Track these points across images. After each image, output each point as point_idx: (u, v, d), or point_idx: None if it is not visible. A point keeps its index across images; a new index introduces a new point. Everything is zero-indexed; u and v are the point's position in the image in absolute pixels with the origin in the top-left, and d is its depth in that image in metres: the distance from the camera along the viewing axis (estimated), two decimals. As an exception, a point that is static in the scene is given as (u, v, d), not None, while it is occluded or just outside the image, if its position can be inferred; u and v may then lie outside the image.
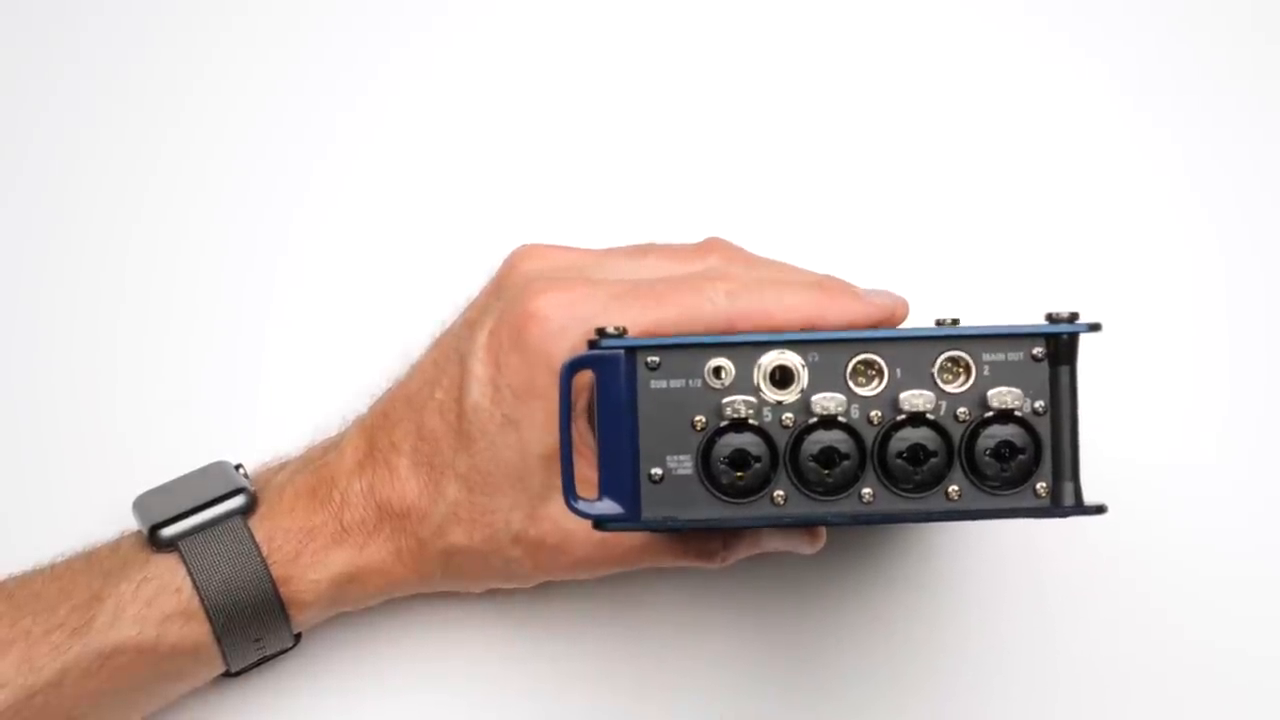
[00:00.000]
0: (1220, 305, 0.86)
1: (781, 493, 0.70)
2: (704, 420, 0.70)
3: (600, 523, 0.70)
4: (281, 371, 0.87)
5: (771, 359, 0.70)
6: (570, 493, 0.70)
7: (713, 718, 0.84)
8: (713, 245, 0.79)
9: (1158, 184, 0.87)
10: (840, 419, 0.70)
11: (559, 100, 0.87)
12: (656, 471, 0.70)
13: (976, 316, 0.74)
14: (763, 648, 0.85)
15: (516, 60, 0.88)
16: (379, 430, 0.80)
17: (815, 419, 0.70)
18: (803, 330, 0.73)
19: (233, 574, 0.79)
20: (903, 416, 0.70)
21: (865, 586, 0.85)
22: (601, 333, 0.70)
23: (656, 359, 0.70)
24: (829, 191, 0.87)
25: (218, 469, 0.83)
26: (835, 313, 0.75)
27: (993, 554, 0.85)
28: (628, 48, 0.88)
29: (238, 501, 0.80)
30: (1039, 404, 0.70)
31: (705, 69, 0.87)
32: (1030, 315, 0.71)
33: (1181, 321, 0.86)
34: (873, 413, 0.70)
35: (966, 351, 0.70)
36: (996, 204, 0.86)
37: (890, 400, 0.70)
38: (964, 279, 0.86)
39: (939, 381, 0.70)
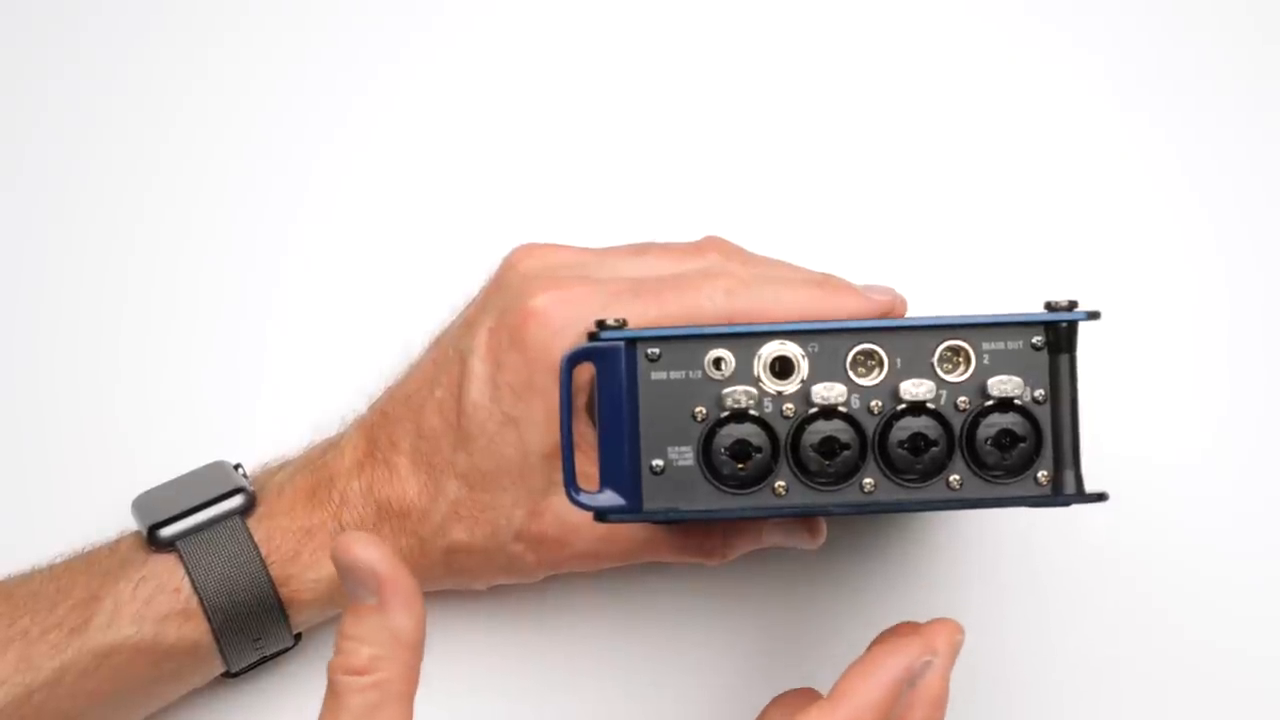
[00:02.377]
0: (1220, 293, 0.86)
1: (783, 483, 0.70)
2: (704, 411, 0.70)
3: (601, 514, 0.70)
4: (281, 371, 0.87)
5: (772, 350, 0.70)
6: (571, 485, 0.70)
7: (714, 712, 0.84)
8: (711, 244, 0.79)
9: (1157, 172, 0.87)
10: (841, 409, 0.70)
11: (558, 100, 0.87)
12: (657, 463, 0.70)
13: (976, 306, 0.74)
14: (764, 642, 0.85)
15: (516, 60, 0.88)
16: (379, 429, 0.80)
17: (816, 409, 0.70)
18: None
19: (231, 574, 0.79)
20: (903, 406, 0.70)
21: (865, 582, 0.85)
22: (601, 325, 0.70)
23: (656, 350, 0.70)
24: (827, 187, 0.87)
25: (217, 469, 0.82)
26: (834, 310, 0.75)
27: (992, 550, 0.85)
28: (627, 48, 0.88)
29: (236, 501, 0.80)
30: (1039, 392, 0.70)
31: (705, 69, 0.87)
32: (1029, 304, 0.71)
33: (1181, 310, 0.86)
34: (873, 402, 0.70)
35: (966, 341, 0.70)
36: (995, 195, 0.87)
37: (890, 390, 0.70)
38: (963, 269, 0.86)
39: (939, 371, 0.70)
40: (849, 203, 0.87)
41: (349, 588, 0.66)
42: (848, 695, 0.68)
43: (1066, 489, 0.70)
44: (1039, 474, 0.70)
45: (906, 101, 0.87)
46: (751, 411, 0.70)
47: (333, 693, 0.66)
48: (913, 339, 0.70)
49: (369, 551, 0.65)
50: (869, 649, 0.70)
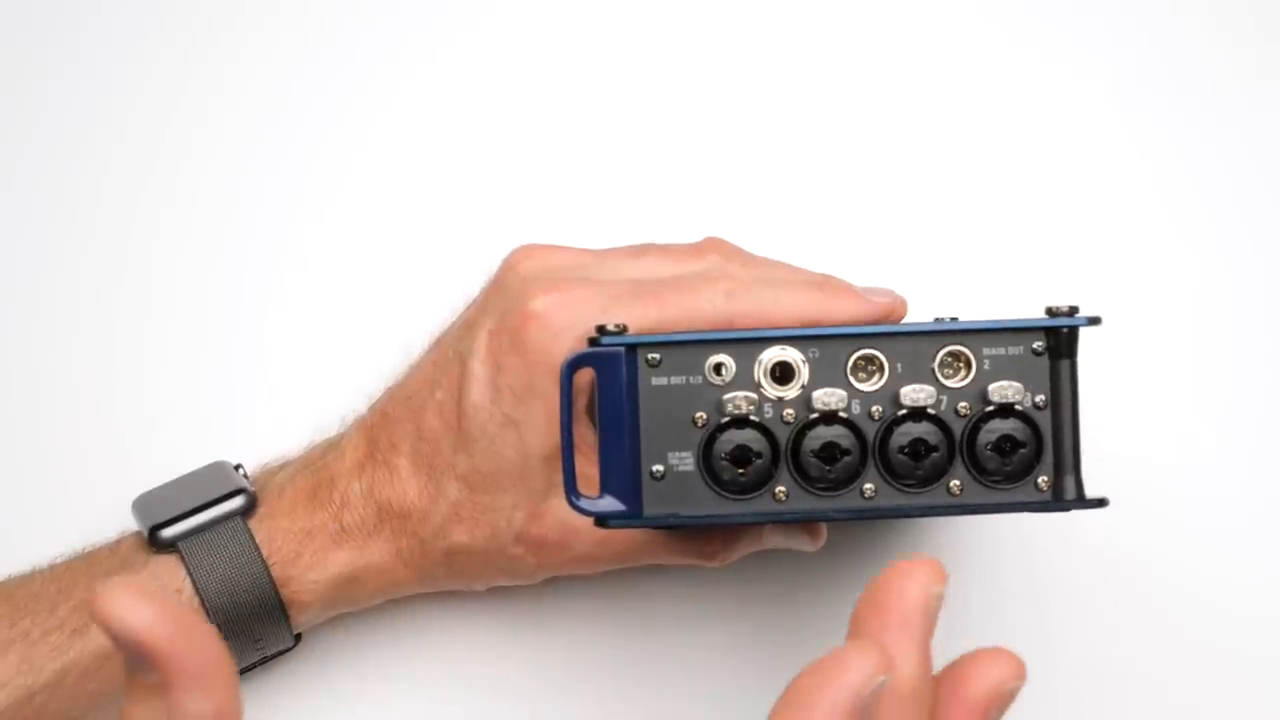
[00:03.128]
0: (1221, 298, 0.86)
1: (783, 489, 0.70)
2: (705, 417, 0.70)
3: (602, 520, 0.70)
4: (281, 371, 0.87)
5: (772, 355, 0.70)
6: (572, 491, 0.70)
7: (713, 713, 0.84)
8: (711, 245, 0.79)
9: (1157, 177, 0.87)
10: (841, 414, 0.70)
11: (558, 101, 0.87)
12: (658, 468, 0.70)
13: (976, 311, 0.74)
14: (764, 644, 0.85)
15: (516, 61, 0.88)
16: (379, 430, 0.80)
17: (816, 415, 0.70)
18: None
19: (232, 575, 0.79)
20: (904, 411, 0.70)
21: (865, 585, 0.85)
22: (602, 330, 0.71)
23: (657, 356, 0.70)
24: (828, 191, 0.87)
25: (218, 469, 0.82)
26: (834, 312, 0.75)
27: (992, 552, 0.85)
28: (627, 48, 0.88)
29: (238, 502, 0.80)
30: (1039, 398, 0.70)
31: (704, 69, 0.87)
32: (1030, 309, 0.71)
33: (1182, 315, 0.86)
34: (874, 408, 0.70)
35: (967, 346, 0.70)
36: (995, 199, 0.87)
37: (891, 395, 0.70)
38: (963, 274, 0.86)
39: (939, 376, 0.70)
40: (849, 204, 0.87)
41: (124, 658, 0.50)
42: None
43: (1067, 494, 0.70)
44: (1039, 479, 0.70)
45: (907, 103, 0.87)
46: (752, 417, 0.70)
47: None
48: (913, 344, 0.70)
49: (136, 614, 0.49)
50: (799, 677, 0.55)
